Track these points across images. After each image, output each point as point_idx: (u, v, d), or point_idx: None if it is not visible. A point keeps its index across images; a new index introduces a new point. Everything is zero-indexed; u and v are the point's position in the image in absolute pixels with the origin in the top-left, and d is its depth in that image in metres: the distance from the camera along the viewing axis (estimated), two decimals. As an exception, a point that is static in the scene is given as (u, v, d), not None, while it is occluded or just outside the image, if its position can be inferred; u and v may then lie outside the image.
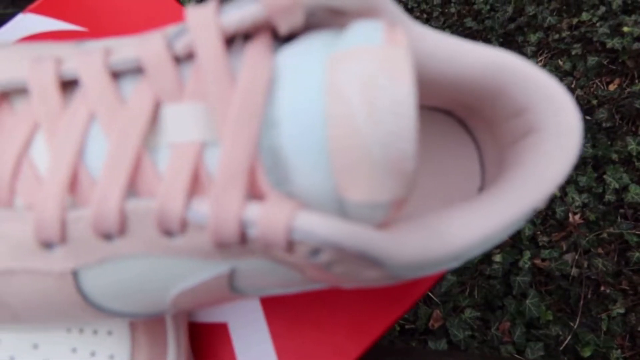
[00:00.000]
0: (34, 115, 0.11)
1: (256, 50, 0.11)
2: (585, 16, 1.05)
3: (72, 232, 0.11)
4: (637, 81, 0.96)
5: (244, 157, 0.10)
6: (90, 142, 0.11)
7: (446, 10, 1.14)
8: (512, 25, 1.06)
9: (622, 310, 0.80)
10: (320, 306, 0.20)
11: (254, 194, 0.10)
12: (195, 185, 0.11)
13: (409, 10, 1.13)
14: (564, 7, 1.08)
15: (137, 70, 0.11)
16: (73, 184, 0.11)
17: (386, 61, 0.10)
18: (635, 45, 0.97)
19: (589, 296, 0.83)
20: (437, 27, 1.11)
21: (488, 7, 1.10)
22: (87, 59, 0.11)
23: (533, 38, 1.04)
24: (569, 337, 0.79)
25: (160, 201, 0.10)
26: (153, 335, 0.17)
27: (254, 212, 0.10)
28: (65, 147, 0.11)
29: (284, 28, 0.11)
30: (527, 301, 0.80)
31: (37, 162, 0.11)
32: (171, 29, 0.11)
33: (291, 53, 0.11)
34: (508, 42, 1.06)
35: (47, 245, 0.11)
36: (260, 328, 0.20)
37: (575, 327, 0.79)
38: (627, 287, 0.83)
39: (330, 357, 0.20)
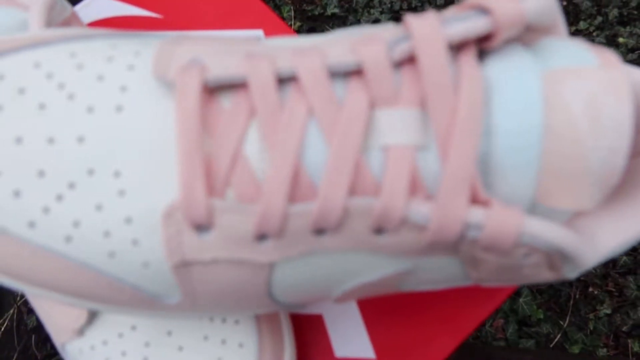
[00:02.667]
0: (250, 111, 0.11)
1: (469, 61, 0.11)
2: (582, 25, 1.08)
3: (291, 226, 0.11)
4: (630, 92, 1.00)
5: (469, 164, 0.11)
6: (308, 139, 0.11)
7: (449, 11, 1.15)
8: (513, 30, 1.08)
9: (608, 311, 0.84)
10: (413, 301, 0.21)
11: (472, 197, 0.11)
12: (413, 186, 0.11)
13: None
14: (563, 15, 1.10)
15: (348, 73, 0.12)
16: (294, 178, 0.11)
17: (609, 82, 0.11)
18: (630, 57, 1.01)
19: (578, 296, 0.86)
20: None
21: (490, 10, 1.12)
22: (305, 59, 0.11)
23: (533, 44, 1.06)
24: (559, 335, 0.82)
25: (383, 200, 0.11)
26: (273, 325, 0.18)
27: (479, 215, 0.11)
28: (286, 142, 0.11)
29: (500, 41, 0.11)
30: (520, 299, 0.83)
31: (251, 156, 0.11)
32: (388, 34, 0.12)
33: (502, 66, 0.11)
34: (508, 46, 1.08)
35: (262, 237, 0.11)
36: (355, 320, 0.21)
37: (565, 325, 0.83)
38: (613, 289, 0.87)
39: (425, 350, 0.20)
